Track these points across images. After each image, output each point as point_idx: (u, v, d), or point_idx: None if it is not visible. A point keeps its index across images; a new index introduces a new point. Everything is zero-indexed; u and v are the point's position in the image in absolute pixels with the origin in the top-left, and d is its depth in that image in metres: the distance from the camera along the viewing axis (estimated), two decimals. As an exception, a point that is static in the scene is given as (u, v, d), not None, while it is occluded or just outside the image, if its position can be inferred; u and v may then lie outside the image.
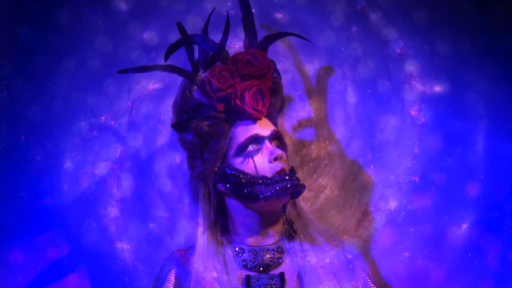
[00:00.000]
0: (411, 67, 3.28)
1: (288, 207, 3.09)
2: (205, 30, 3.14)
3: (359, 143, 3.27)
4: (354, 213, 3.22)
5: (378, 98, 3.29)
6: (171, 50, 3.13)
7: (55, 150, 3.30)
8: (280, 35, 3.19)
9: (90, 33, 3.32)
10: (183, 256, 3.09)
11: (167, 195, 3.24)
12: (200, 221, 3.07)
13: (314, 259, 3.03)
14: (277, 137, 3.05)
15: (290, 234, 3.06)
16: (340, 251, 3.06)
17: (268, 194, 2.95)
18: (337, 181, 3.23)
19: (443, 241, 3.22)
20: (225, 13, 3.14)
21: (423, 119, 3.27)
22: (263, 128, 3.04)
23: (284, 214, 3.07)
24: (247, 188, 2.97)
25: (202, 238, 3.05)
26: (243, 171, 3.00)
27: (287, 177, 2.96)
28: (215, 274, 2.99)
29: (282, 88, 3.13)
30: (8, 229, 3.29)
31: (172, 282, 3.06)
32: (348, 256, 3.06)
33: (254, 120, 3.04)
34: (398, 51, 3.30)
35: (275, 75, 3.11)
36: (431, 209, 3.24)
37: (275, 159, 2.99)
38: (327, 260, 3.03)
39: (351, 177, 3.25)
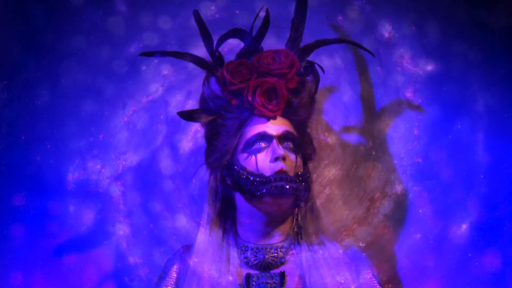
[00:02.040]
0: (401, 49, 3.28)
1: (303, 211, 3.07)
2: (252, 28, 3.12)
3: (358, 131, 3.27)
4: (361, 201, 3.22)
5: (372, 84, 3.29)
6: (221, 41, 3.12)
7: (56, 150, 3.32)
8: (334, 41, 3.19)
9: (90, 33, 3.35)
10: (187, 251, 3.08)
11: (174, 205, 3.24)
12: (204, 215, 3.07)
13: (319, 259, 3.01)
14: (290, 139, 3.03)
15: (297, 236, 3.04)
16: (345, 251, 3.05)
17: (263, 191, 2.94)
18: (339, 177, 3.23)
19: (443, 241, 3.21)
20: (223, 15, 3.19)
21: (419, 100, 3.28)
22: (274, 126, 3.02)
23: (295, 217, 3.05)
24: (246, 184, 2.97)
25: (204, 232, 3.05)
26: (245, 167, 2.99)
27: (284, 178, 2.94)
28: (213, 270, 2.99)
29: (311, 92, 3.10)
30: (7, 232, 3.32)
31: (173, 277, 3.06)
32: (353, 255, 3.05)
33: (267, 118, 3.03)
34: (387, 35, 3.30)
35: (308, 78, 3.10)
36: (437, 189, 3.24)
37: (276, 158, 2.97)
38: (332, 258, 3.02)
39: (354, 166, 3.25)
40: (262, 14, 3.10)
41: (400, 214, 3.24)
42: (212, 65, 3.10)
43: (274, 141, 3.01)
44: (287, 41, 3.12)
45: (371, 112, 3.28)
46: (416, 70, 3.27)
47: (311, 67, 3.12)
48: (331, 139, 3.24)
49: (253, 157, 3.00)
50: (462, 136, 3.26)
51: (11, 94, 3.35)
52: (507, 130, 3.26)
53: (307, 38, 3.16)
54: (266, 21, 3.08)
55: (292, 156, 3.01)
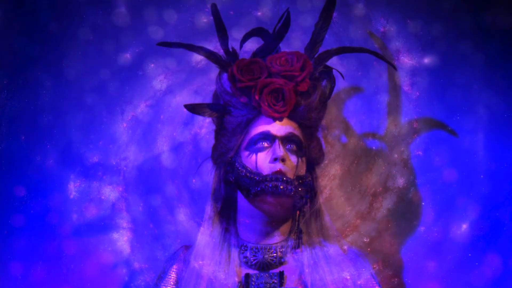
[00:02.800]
0: (396, 43, 3.27)
1: (308, 214, 3.08)
2: (275, 28, 3.10)
3: (357, 127, 3.27)
4: (363, 196, 3.22)
5: (369, 80, 3.28)
6: (246, 37, 3.11)
7: (56, 150, 3.33)
8: (357, 50, 3.16)
9: (91, 33, 3.36)
10: (186, 251, 3.10)
11: (176, 209, 3.24)
12: (205, 215, 3.08)
13: (319, 258, 3.02)
14: (293, 141, 3.02)
15: (298, 241, 3.04)
16: (346, 251, 3.06)
17: (258, 189, 2.94)
18: (341, 174, 3.23)
19: (443, 241, 3.21)
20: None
21: (417, 93, 3.27)
22: (279, 127, 3.01)
23: (297, 220, 3.05)
24: (245, 182, 2.98)
25: (205, 232, 3.06)
26: (246, 165, 3.00)
27: (280, 179, 2.94)
28: (213, 269, 3.00)
29: (323, 97, 3.08)
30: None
31: (172, 277, 3.08)
32: (353, 255, 3.05)
33: (273, 118, 3.02)
34: (382, 29, 3.29)
35: (323, 83, 3.09)
36: (439, 181, 3.24)
37: (275, 159, 2.97)
38: (333, 257, 3.02)
39: (356, 162, 3.25)
40: (259, 13, 3.10)
41: (403, 208, 3.24)
42: (225, 61, 3.10)
43: (277, 141, 3.00)
44: (307, 44, 3.11)
45: (369, 107, 3.28)
46: (413, 63, 3.26)
47: (327, 72, 3.10)
48: (331, 136, 3.24)
49: (254, 155, 3.01)
50: (462, 136, 3.26)
51: (11, 93, 3.36)
52: (507, 130, 3.26)
53: (303, 37, 3.17)
54: (287, 23, 3.08)
55: (293, 158, 3.01)
